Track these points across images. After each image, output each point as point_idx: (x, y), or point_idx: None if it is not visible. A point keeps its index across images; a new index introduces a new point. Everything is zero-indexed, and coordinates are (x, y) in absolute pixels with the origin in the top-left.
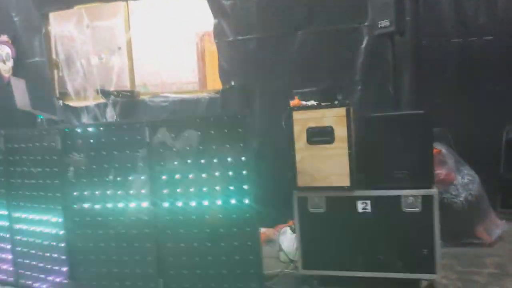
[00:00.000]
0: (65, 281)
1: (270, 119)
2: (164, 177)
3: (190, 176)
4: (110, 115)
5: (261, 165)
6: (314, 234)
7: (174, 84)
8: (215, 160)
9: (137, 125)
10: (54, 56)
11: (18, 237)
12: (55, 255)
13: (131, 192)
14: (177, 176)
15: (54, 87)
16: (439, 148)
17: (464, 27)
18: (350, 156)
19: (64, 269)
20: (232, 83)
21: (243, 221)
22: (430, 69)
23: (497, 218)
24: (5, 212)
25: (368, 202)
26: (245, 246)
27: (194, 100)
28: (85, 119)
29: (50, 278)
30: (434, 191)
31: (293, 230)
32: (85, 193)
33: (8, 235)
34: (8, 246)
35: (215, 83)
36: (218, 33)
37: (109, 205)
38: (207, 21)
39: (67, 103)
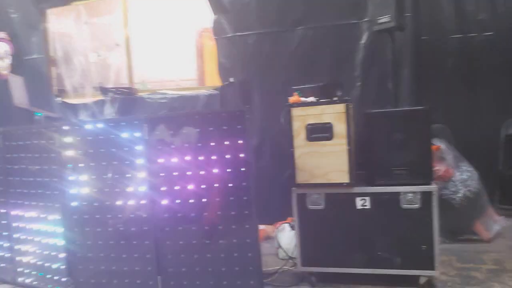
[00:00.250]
0: (64, 278)
1: (269, 115)
2: (162, 174)
3: (189, 173)
4: (108, 112)
5: (260, 161)
6: (313, 231)
7: (172, 81)
8: (213, 157)
9: (135, 122)
10: (52, 53)
11: (16, 235)
12: (54, 253)
13: (130, 189)
14: (176, 173)
15: (52, 84)
16: (438, 144)
17: (464, 22)
18: (349, 153)
19: (63, 266)
20: (231, 79)
21: (242, 218)
22: (430, 65)
23: (496, 214)
24: (3, 210)
25: (367, 198)
26: (244, 243)
27: (193, 96)
28: (83, 116)
29: (48, 276)
30: (433, 187)
31: (292, 227)
32: (83, 190)
33: (6, 233)
34: (6, 244)
35: (214, 80)
36: (217, 29)
37: (108, 203)
38: (206, 17)
39: (65, 100)
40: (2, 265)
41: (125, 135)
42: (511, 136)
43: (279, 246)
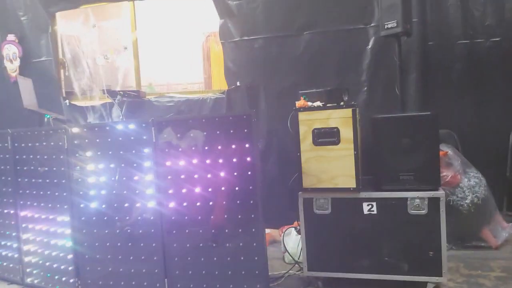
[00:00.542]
0: (71, 280)
1: (275, 119)
2: (169, 177)
3: (196, 176)
4: (116, 114)
5: (266, 165)
6: (319, 236)
7: (179, 84)
8: (220, 161)
9: (143, 125)
10: (60, 55)
11: (25, 236)
12: (62, 254)
13: (137, 191)
14: (183, 176)
15: (60, 86)
16: (446, 149)
17: (471, 28)
18: (356, 158)
19: (70, 267)
20: (238, 83)
21: (248, 222)
22: (437, 71)
23: (504, 221)
24: (12, 211)
25: (374, 204)
26: (250, 247)
27: (199, 100)
28: (91, 118)
29: (56, 277)
30: (440, 193)
31: (298, 231)
32: (91, 192)
33: (14, 234)
34: (15, 245)
35: (220, 83)
36: (224, 33)
37: (115, 205)
38: (213, 21)
39: (73, 102)
40: (11, 265)
41: (132, 137)
42: None
43: (286, 250)
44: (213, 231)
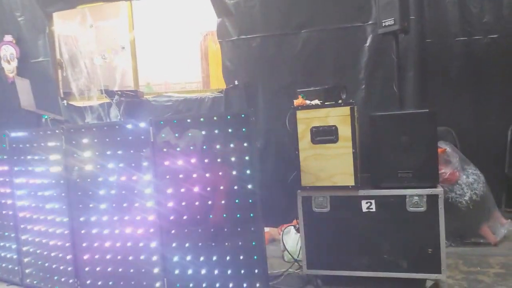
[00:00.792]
0: (71, 280)
1: (273, 118)
2: (168, 176)
3: (194, 175)
4: (114, 114)
5: (265, 164)
6: (319, 234)
7: (177, 84)
8: (219, 160)
9: (141, 125)
10: (58, 56)
11: (24, 237)
12: (61, 255)
13: (136, 191)
14: (181, 175)
15: (58, 87)
16: (444, 147)
17: (469, 25)
18: (354, 156)
19: (70, 268)
20: (236, 82)
21: (247, 221)
22: (435, 68)
23: (503, 217)
24: (11, 212)
25: (373, 201)
26: (249, 245)
27: (197, 99)
28: (89, 119)
29: (56, 277)
30: (439, 190)
31: (297, 230)
32: (90, 192)
33: (13, 235)
34: (14, 246)
35: (218, 83)
36: (221, 32)
37: (114, 205)
38: (211, 20)
39: (71, 103)
40: (10, 266)
41: (130, 137)
42: None
43: (285, 249)
44: (212, 230)
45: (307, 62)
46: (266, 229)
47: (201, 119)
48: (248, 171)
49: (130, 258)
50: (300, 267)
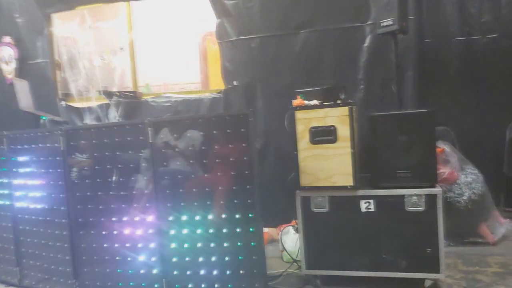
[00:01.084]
0: (69, 281)
1: (272, 118)
2: (167, 177)
3: (193, 176)
4: (113, 115)
5: (264, 164)
6: (318, 234)
7: (176, 85)
8: (217, 160)
9: (139, 126)
10: (57, 57)
11: (22, 238)
12: (59, 256)
13: (134, 192)
14: (180, 176)
15: (57, 88)
16: (443, 146)
17: (467, 25)
18: (353, 156)
19: (68, 269)
20: (235, 83)
21: (246, 221)
22: (434, 68)
23: (501, 217)
24: (9, 213)
25: (372, 201)
26: (248, 246)
27: (196, 100)
28: (88, 120)
29: (54, 278)
30: (438, 190)
31: (296, 230)
32: (88, 193)
33: (12, 236)
34: (12, 247)
35: (217, 83)
36: (220, 33)
37: (113, 206)
38: (210, 21)
39: (70, 104)
40: (8, 267)
41: (129, 138)
42: None
43: (284, 249)
44: (211, 231)
45: (306, 63)
46: (265, 229)
47: (200, 120)
48: (246, 172)
49: (129, 259)
50: (299, 267)
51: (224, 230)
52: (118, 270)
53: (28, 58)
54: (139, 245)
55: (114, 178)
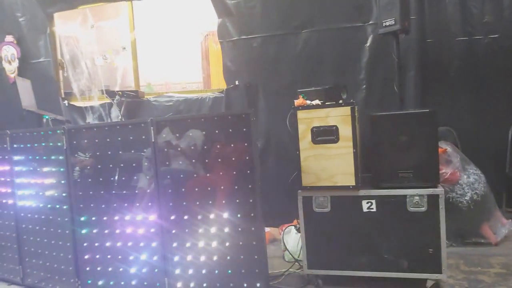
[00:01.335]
0: (71, 280)
1: (274, 118)
2: (169, 176)
3: (195, 175)
4: (115, 115)
5: (265, 164)
6: (319, 234)
7: (178, 84)
8: (219, 160)
9: (142, 125)
10: (59, 56)
11: (24, 237)
12: (62, 254)
13: (136, 191)
14: (182, 175)
15: (59, 87)
16: (445, 147)
17: (469, 25)
18: (355, 156)
19: (70, 268)
20: (237, 82)
21: (248, 221)
22: (435, 68)
23: (503, 218)
24: (12, 212)
25: (373, 201)
26: (250, 245)
27: (198, 99)
28: (90, 119)
29: (57, 277)
30: (439, 190)
31: (298, 230)
32: (91, 192)
33: (14, 235)
34: (15, 246)
35: (219, 83)
36: (222, 32)
37: (115, 205)
38: (211, 20)
39: (72, 103)
40: (10, 266)
41: (131, 137)
42: None
43: (285, 249)
44: (212, 230)
45: (307, 62)
46: (267, 229)
47: (202, 119)
48: (248, 171)
49: (131, 258)
50: (300, 267)
51: (226, 230)
52: (120, 269)
53: (30, 57)
54: (141, 244)
55: (116, 177)
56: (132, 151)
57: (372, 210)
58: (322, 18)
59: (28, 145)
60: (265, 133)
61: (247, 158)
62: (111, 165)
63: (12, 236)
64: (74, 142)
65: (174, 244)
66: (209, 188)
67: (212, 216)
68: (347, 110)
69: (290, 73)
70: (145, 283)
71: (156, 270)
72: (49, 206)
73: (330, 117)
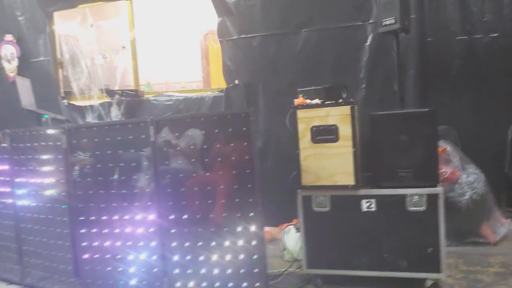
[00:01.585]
0: (70, 279)
1: (274, 117)
2: (168, 175)
3: (194, 175)
4: (115, 114)
5: (265, 163)
6: (319, 233)
7: (178, 83)
8: (219, 159)
9: (141, 124)
10: (58, 55)
11: (24, 236)
12: (61, 254)
13: (136, 191)
14: (181, 175)
15: (59, 86)
16: (444, 146)
17: (469, 24)
18: (355, 155)
19: (69, 267)
20: (236, 81)
21: (247, 220)
22: (435, 67)
23: (503, 217)
24: (11, 211)
25: (373, 201)
26: (249, 245)
27: (198, 98)
28: (90, 118)
29: (56, 276)
30: (439, 189)
31: (298, 229)
32: (90, 192)
33: (13, 234)
34: (14, 245)
35: (219, 82)
36: (222, 31)
37: (114, 204)
38: (211, 19)
39: (72, 102)
40: (9, 265)
41: (131, 137)
42: None
43: (285, 248)
44: (212, 230)
45: (307, 61)
46: (266, 229)
47: (201, 119)
48: (248, 170)
49: (130, 257)
50: (300, 266)
51: (225, 229)
52: (119, 269)
53: (30, 56)
54: (140, 244)
55: (115, 176)
56: (132, 151)
57: (371, 209)
58: (322, 17)
59: (28, 144)
60: (264, 132)
61: (246, 157)
62: (110, 165)
63: (11, 235)
64: (74, 141)
65: (173, 244)
66: (208, 188)
67: (211, 215)
68: (347, 109)
69: (289, 72)
70: (144, 283)
71: (155, 270)
72: (48, 205)
73: (330, 116)
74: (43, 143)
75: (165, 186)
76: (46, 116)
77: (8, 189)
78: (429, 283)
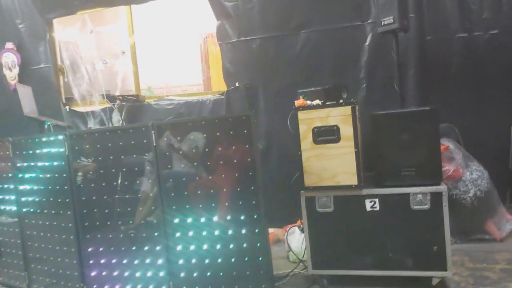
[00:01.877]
0: (77, 285)
1: (275, 119)
2: (171, 180)
3: (197, 178)
4: (116, 119)
5: (267, 165)
6: (323, 234)
7: (178, 87)
8: (221, 162)
9: (143, 129)
10: (59, 62)
11: (29, 243)
12: (67, 260)
13: (139, 195)
14: (184, 178)
15: (60, 92)
16: (447, 144)
17: (468, 21)
18: (357, 155)
19: (76, 273)
20: (237, 84)
21: (251, 222)
22: (436, 65)
23: (508, 213)
24: (16, 219)
25: (377, 200)
26: (254, 247)
27: (199, 102)
28: (91, 124)
29: (62, 282)
30: (442, 187)
31: (302, 230)
32: (94, 197)
33: (19, 241)
34: (20, 252)
35: (219, 85)
36: (221, 34)
37: (118, 209)
38: (210, 22)
39: (73, 108)
40: (16, 272)
41: (133, 142)
42: None
43: (290, 249)
44: (216, 232)
45: (307, 63)
46: (271, 230)
47: (203, 122)
48: (250, 173)
49: (136, 262)
50: (305, 267)
51: (230, 232)
52: (126, 273)
53: (30, 64)
54: (146, 248)
55: (119, 181)
56: (134, 155)
57: (375, 209)
58: (321, 18)
59: (30, 152)
60: (266, 134)
61: (249, 159)
62: (113, 170)
63: (17, 242)
64: (76, 147)
65: (179, 247)
66: (211, 191)
67: (215, 218)
68: (347, 109)
69: (289, 74)
70: (151, 287)
71: (161, 274)
72: (52, 212)
73: (331, 117)
74: (45, 150)
75: (168, 190)
76: (48, 123)
77: (12, 197)
78: (435, 281)
